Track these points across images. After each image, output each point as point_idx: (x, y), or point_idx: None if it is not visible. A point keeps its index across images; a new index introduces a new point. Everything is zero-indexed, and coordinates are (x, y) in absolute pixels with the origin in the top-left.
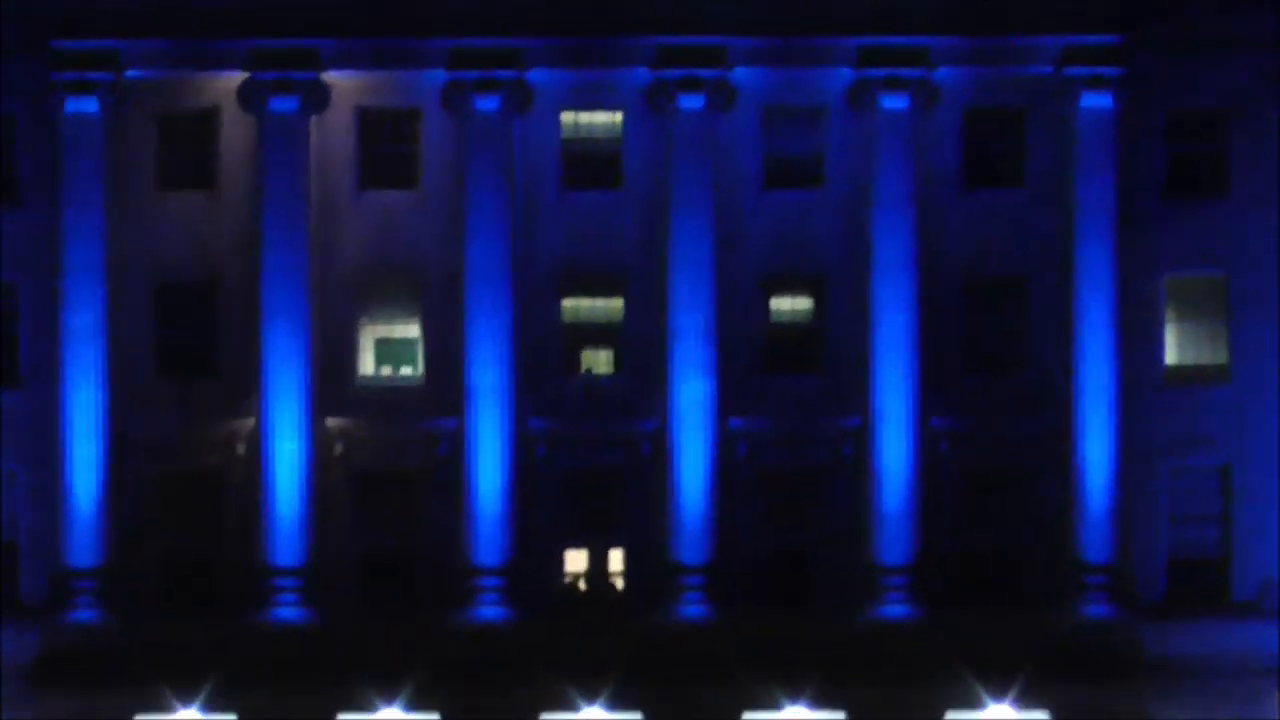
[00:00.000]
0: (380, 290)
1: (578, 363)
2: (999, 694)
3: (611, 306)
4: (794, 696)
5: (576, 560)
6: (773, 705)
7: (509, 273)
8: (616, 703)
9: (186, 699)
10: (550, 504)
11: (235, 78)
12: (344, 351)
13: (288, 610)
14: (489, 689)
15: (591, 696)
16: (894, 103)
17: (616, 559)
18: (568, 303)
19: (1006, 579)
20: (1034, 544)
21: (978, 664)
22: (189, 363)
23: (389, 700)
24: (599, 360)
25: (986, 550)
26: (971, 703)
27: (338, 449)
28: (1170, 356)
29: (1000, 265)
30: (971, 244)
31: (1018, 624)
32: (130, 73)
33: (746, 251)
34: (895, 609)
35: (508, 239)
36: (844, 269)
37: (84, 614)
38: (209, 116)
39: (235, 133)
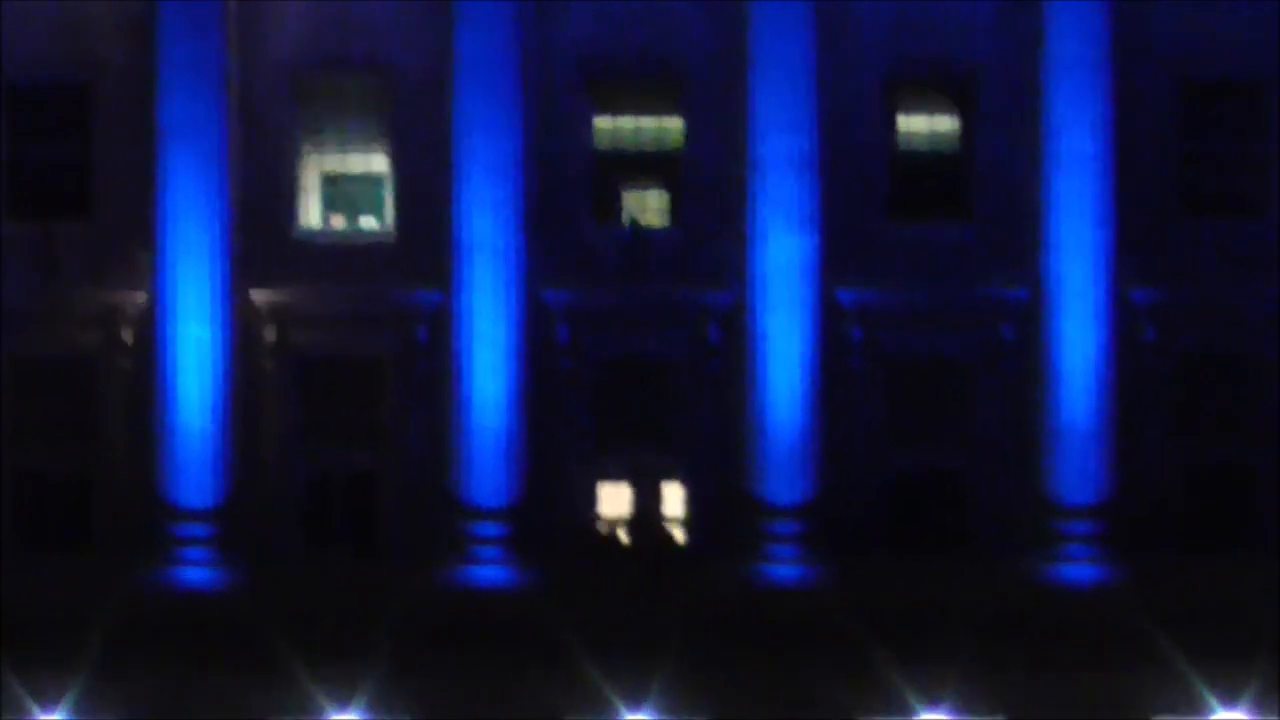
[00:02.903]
0: (331, 101)
1: (617, 208)
2: (1228, 691)
3: (665, 126)
4: (932, 695)
5: (615, 498)
6: (902, 708)
7: (517, 76)
8: (673, 704)
9: (49, 697)
10: (577, 415)
11: None
12: (278, 192)
13: (196, 570)
14: (487, 681)
15: (637, 695)
16: None
17: (673, 496)
18: (602, 121)
19: (1239, 519)
20: None
21: (1196, 643)
22: (52, 200)
23: (343, 700)
24: (647, 205)
25: (1212, 478)
26: (1187, 703)
27: (269, 335)
28: None
29: (1230, 63)
30: (1189, 33)
31: (1255, 584)
32: None
33: (862, 44)
34: (1077, 568)
35: (515, 25)
36: (1004, 70)
37: None
38: None
39: None
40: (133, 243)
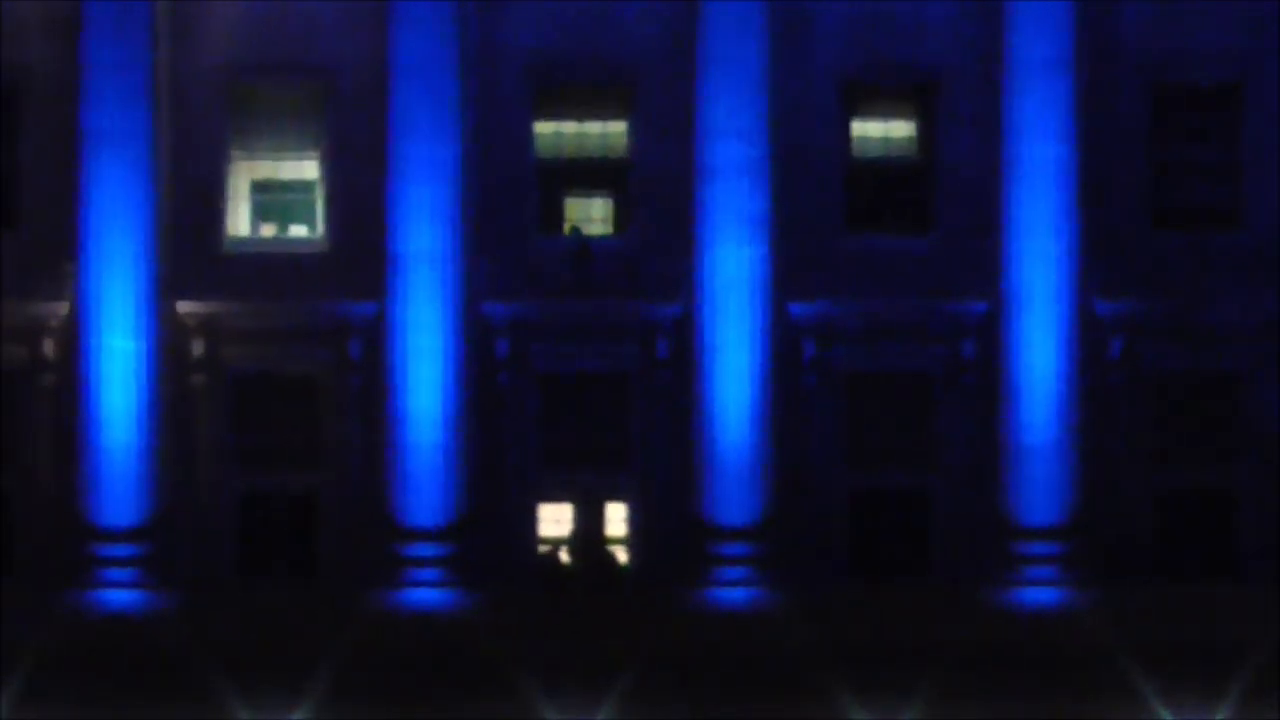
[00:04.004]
0: (261, 104)
1: (560, 217)
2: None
3: (611, 132)
4: None
5: (558, 519)
6: None
7: (457, 78)
8: None
9: None
10: (519, 432)
11: None
12: (207, 200)
13: (119, 593)
14: (423, 708)
15: None
16: None
17: (617, 517)
18: (544, 126)
19: (1212, 542)
20: (1258, 490)
21: (1165, 671)
22: None
23: None
24: (592, 214)
25: (1183, 499)
26: None
27: (197, 348)
28: None
29: (1205, 66)
30: (1160, 37)
31: (1228, 613)
32: None
33: (817, 47)
34: (1040, 592)
35: (454, 25)
36: (965, 73)
37: None
38: None
39: None
40: (56, 250)
